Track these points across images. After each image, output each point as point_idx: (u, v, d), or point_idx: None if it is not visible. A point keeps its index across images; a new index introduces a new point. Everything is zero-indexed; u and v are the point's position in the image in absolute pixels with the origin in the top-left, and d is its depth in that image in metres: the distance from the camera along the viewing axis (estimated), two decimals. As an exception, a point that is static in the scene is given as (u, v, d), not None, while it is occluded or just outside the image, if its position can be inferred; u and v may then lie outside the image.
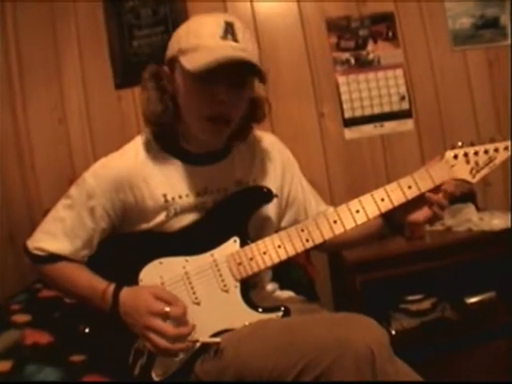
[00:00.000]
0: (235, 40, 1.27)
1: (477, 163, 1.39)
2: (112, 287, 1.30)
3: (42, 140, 2.77)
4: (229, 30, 1.27)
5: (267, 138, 1.58)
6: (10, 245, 2.61)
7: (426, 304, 2.41)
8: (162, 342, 1.22)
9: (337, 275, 2.67)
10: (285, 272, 1.65)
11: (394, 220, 1.43)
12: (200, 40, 1.26)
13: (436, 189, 1.36)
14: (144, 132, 1.46)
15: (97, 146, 2.76)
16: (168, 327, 1.23)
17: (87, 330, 1.39)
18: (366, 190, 1.39)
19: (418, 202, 1.37)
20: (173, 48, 1.33)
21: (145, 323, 1.24)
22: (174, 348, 1.23)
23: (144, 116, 1.41)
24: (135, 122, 2.74)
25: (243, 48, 1.28)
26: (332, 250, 1.77)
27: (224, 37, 1.26)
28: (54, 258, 1.38)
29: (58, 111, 2.76)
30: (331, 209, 1.57)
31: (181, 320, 1.26)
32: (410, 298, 2.42)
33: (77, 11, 2.75)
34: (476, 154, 1.39)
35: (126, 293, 1.29)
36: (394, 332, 2.33)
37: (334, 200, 2.69)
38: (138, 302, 1.26)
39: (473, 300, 2.44)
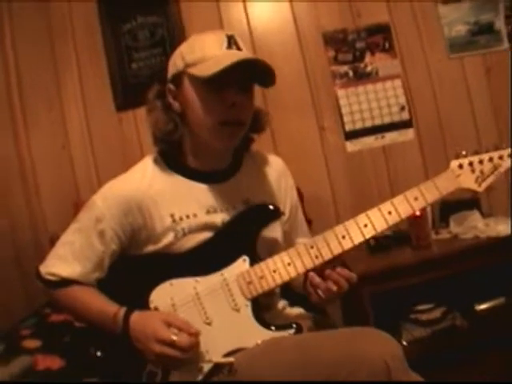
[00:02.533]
0: (239, 49, 1.35)
1: (482, 172, 1.40)
2: (123, 311, 1.31)
3: (46, 165, 2.78)
4: (232, 41, 1.34)
5: (274, 161, 1.60)
6: (17, 269, 2.62)
7: (436, 313, 2.40)
8: (179, 365, 1.26)
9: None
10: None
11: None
12: (206, 52, 1.33)
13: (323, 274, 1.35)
14: (152, 152, 1.48)
15: (100, 169, 2.77)
16: (177, 354, 1.24)
17: (99, 354, 1.39)
18: (370, 201, 1.40)
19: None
20: (177, 64, 1.38)
21: (153, 350, 1.25)
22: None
23: (154, 136, 1.43)
24: (137, 144, 2.75)
25: (248, 53, 1.37)
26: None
27: (229, 47, 1.34)
28: (65, 282, 1.39)
29: (60, 137, 2.78)
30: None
31: (186, 348, 1.25)
32: (420, 307, 2.41)
33: (75, 35, 2.78)
34: (481, 162, 1.40)
35: (135, 318, 1.30)
36: (405, 343, 2.32)
37: (338, 213, 2.71)
38: (146, 328, 1.27)
39: (483, 307, 2.43)
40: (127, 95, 2.76)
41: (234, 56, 1.30)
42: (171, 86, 1.40)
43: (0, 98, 2.72)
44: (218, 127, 1.35)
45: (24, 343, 1.85)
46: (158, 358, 1.25)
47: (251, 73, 1.35)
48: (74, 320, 1.82)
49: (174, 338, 1.24)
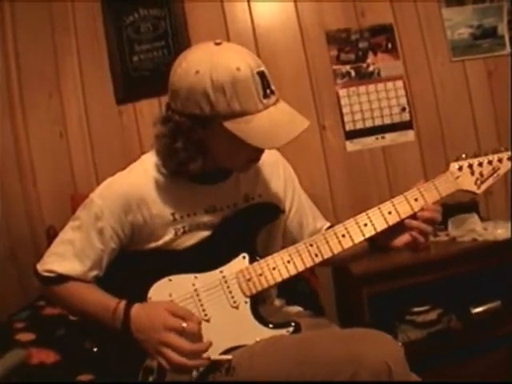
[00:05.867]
0: (271, 91, 1.27)
1: (481, 174, 1.41)
2: (123, 304, 1.29)
3: (43, 154, 2.76)
4: (264, 83, 1.25)
5: (270, 153, 1.57)
6: (12, 260, 2.61)
7: (432, 315, 2.41)
8: (177, 358, 1.21)
9: (341, 288, 2.66)
10: (290, 285, 1.64)
11: (377, 244, 1.44)
12: (242, 104, 1.22)
13: (415, 215, 1.36)
14: (151, 153, 1.43)
15: (98, 161, 2.74)
16: (184, 343, 1.23)
17: (95, 349, 1.38)
18: (368, 201, 1.40)
19: (400, 227, 1.37)
20: (202, 107, 1.24)
21: (160, 339, 1.23)
22: (189, 364, 1.22)
23: (161, 156, 1.37)
24: (136, 137, 2.74)
25: (291, 111, 1.30)
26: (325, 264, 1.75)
27: (265, 95, 1.25)
28: (63, 278, 1.36)
29: (58, 125, 2.76)
30: (327, 225, 1.60)
31: (196, 335, 1.26)
32: (416, 309, 2.42)
33: (76, 25, 2.76)
34: (480, 164, 1.41)
35: (137, 309, 1.28)
36: (400, 344, 2.31)
37: (336, 212, 2.71)
38: (152, 317, 1.26)
39: (478, 310, 2.44)
40: (128, 88, 2.75)
41: (284, 125, 1.26)
42: (186, 122, 1.27)
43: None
44: (242, 164, 1.38)
45: (17, 336, 1.84)
46: (163, 349, 1.23)
47: None
48: (69, 314, 1.81)
49: (184, 324, 1.23)
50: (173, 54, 2.66)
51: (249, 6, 2.77)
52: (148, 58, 2.75)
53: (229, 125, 1.23)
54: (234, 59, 1.24)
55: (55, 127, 2.76)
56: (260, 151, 1.35)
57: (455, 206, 2.42)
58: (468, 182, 1.40)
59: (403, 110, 2.77)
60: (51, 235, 2.38)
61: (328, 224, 1.62)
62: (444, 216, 2.53)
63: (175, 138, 1.29)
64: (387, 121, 2.78)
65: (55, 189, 2.74)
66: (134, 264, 1.40)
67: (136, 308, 1.29)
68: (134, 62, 2.76)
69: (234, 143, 1.25)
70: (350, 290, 2.40)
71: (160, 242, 1.37)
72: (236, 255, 1.37)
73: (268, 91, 1.25)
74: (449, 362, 2.20)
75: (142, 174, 1.40)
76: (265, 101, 1.24)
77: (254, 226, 1.42)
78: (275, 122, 1.25)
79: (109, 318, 1.29)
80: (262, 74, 1.25)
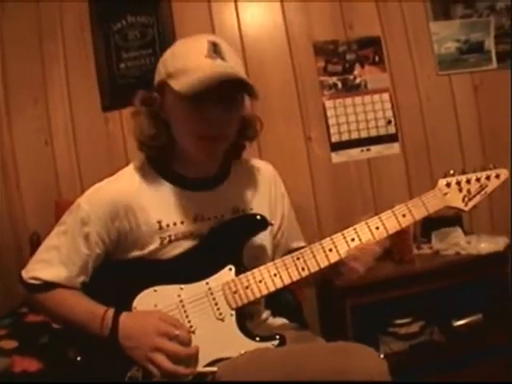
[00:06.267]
0: (222, 58, 1.29)
1: (469, 191, 1.42)
2: (111, 312, 1.29)
3: (28, 161, 2.74)
4: (214, 49, 1.29)
5: (265, 168, 1.59)
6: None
7: (415, 327, 2.42)
8: (169, 365, 1.22)
9: (324, 299, 2.66)
10: (276, 296, 1.65)
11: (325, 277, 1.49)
12: (186, 61, 1.28)
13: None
14: (138, 158, 1.45)
15: (83, 169, 2.72)
16: (179, 347, 1.24)
17: (79, 359, 1.36)
18: (353, 213, 1.41)
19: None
20: (160, 73, 1.34)
21: (154, 344, 1.23)
22: (180, 371, 1.23)
23: (138, 141, 1.40)
24: (122, 145, 2.72)
25: (230, 66, 1.29)
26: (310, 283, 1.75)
27: (210, 56, 1.28)
28: (49, 285, 1.35)
29: (44, 132, 2.74)
30: (302, 245, 1.60)
31: (186, 344, 1.26)
32: (399, 321, 2.42)
33: (64, 32, 2.75)
34: (468, 182, 1.42)
35: (127, 316, 1.28)
36: (382, 356, 2.32)
37: (321, 223, 2.72)
38: (146, 323, 1.26)
39: (460, 323, 2.45)
40: (114, 95, 2.74)
41: (210, 70, 1.25)
42: (156, 95, 1.37)
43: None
44: (196, 141, 1.34)
45: (0, 343, 1.83)
46: (155, 354, 1.23)
47: (230, 85, 1.28)
48: (53, 323, 1.79)
49: (177, 332, 1.24)
50: (160, 62, 2.65)
51: (237, 15, 2.77)
52: (135, 65, 2.74)
53: (171, 81, 1.29)
54: (197, 35, 1.35)
55: (41, 135, 2.74)
56: (210, 126, 1.31)
57: (439, 220, 2.44)
58: (456, 199, 1.42)
59: (389, 122, 2.79)
60: (35, 241, 2.37)
61: (303, 244, 1.62)
62: (428, 229, 2.58)
63: (144, 110, 1.38)
64: (373, 133, 2.79)
65: (39, 194, 2.72)
66: (119, 273, 1.39)
67: (124, 316, 1.28)
68: (120, 69, 2.75)
69: (178, 111, 1.32)
70: (333, 301, 2.41)
71: (145, 251, 1.37)
72: (222, 267, 1.36)
73: (215, 55, 1.29)
74: (430, 373, 2.21)
75: (130, 181, 1.40)
76: (207, 59, 1.28)
77: (241, 237, 1.41)
78: (209, 74, 1.25)
79: (96, 325, 1.28)
80: (214, 43, 1.30)
